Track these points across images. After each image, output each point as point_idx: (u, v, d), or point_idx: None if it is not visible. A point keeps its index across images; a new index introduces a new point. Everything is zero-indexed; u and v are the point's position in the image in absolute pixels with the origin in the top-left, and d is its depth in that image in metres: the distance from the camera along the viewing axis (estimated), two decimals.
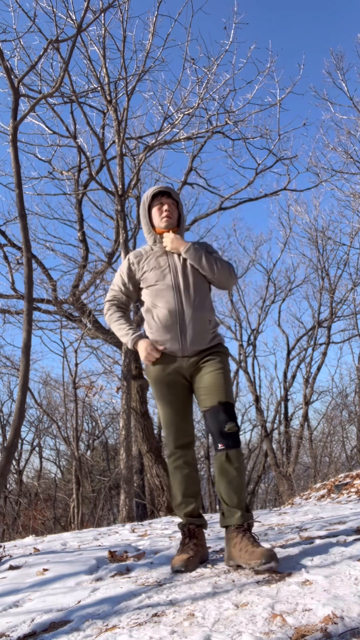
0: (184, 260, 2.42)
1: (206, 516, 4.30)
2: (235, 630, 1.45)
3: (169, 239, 2.43)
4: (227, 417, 2.16)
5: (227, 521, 2.11)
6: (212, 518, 4.25)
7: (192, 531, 2.31)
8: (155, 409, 17.32)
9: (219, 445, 2.13)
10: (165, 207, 2.47)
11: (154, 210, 2.50)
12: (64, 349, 8.29)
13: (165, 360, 2.34)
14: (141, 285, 2.47)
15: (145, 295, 2.45)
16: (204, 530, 2.39)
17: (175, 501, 2.36)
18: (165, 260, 2.43)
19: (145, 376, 2.50)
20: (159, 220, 2.48)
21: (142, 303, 2.50)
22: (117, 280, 2.55)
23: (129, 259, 2.51)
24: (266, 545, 2.40)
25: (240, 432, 2.27)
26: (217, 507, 16.85)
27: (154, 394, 2.43)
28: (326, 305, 15.86)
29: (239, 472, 2.12)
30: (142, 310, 2.47)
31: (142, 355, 2.35)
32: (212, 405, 2.19)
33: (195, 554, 2.19)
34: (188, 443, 2.36)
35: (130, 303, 2.57)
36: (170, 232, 2.47)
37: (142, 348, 2.34)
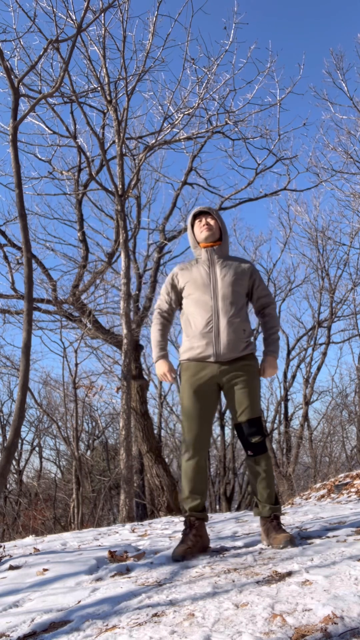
0: (225, 272, 2.60)
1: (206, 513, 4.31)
2: (235, 630, 1.45)
3: (271, 369, 2.69)
4: (254, 430, 2.49)
5: (258, 512, 2.57)
6: (212, 518, 4.25)
7: (193, 523, 2.55)
8: (156, 409, 17.34)
9: (249, 452, 2.52)
10: (203, 221, 2.70)
11: (196, 227, 2.73)
12: (64, 349, 8.29)
13: (200, 366, 2.56)
14: (183, 294, 2.69)
15: (185, 303, 2.68)
16: (206, 526, 2.66)
17: (182, 494, 2.61)
18: (206, 271, 2.62)
19: (179, 375, 2.69)
20: (199, 233, 2.70)
21: (182, 311, 2.75)
22: (163, 290, 2.81)
23: (173, 271, 2.77)
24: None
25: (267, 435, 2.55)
26: (217, 506, 16.87)
27: (181, 393, 2.62)
28: (326, 305, 15.85)
29: (266, 473, 2.51)
30: (182, 317, 2.71)
31: (159, 374, 2.70)
32: (242, 421, 2.50)
33: (194, 544, 2.47)
34: (204, 445, 2.57)
35: (174, 312, 2.81)
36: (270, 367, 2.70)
37: (159, 369, 2.69)
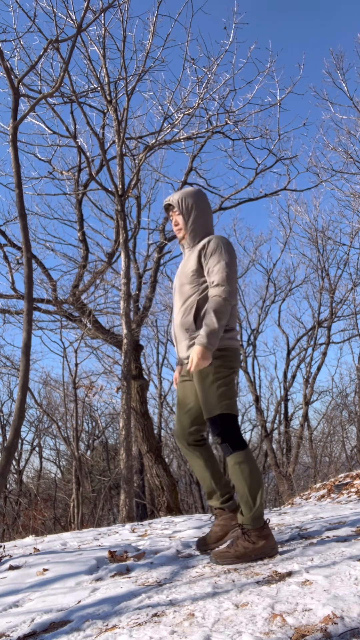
0: (182, 266, 2.48)
1: (206, 516, 4.31)
2: (235, 630, 1.45)
3: (193, 360, 2.24)
4: (212, 430, 2.33)
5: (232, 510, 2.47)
6: (213, 518, 4.25)
7: (214, 515, 2.55)
8: (156, 409, 17.32)
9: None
10: (173, 219, 2.55)
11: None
12: (64, 349, 8.28)
13: (178, 367, 2.59)
14: None
15: None
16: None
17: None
18: (178, 271, 2.55)
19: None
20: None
21: None
22: None
23: None
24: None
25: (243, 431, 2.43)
26: None
27: None
28: (326, 305, 15.87)
29: (235, 476, 2.25)
30: None
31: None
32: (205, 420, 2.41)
33: (209, 534, 2.50)
34: (187, 434, 2.53)
35: None
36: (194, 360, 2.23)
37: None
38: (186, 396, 2.51)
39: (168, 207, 2.57)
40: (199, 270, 2.38)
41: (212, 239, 2.38)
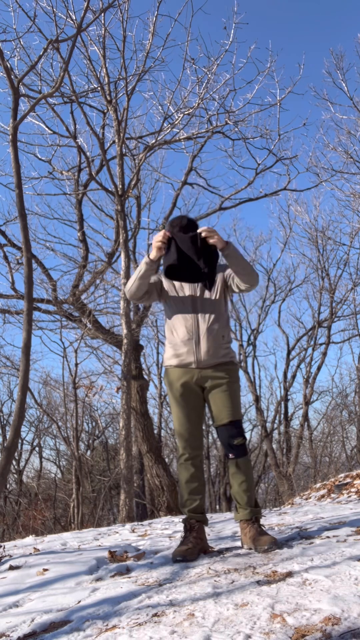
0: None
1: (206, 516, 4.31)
2: (235, 630, 1.45)
3: (211, 231, 2.49)
4: (236, 432, 2.53)
5: (239, 516, 2.53)
6: (212, 518, 4.25)
7: (193, 525, 2.55)
8: (156, 409, 17.33)
9: (230, 455, 2.54)
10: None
11: None
12: (64, 349, 8.28)
13: (182, 371, 2.60)
14: (163, 296, 2.71)
15: (165, 307, 2.72)
16: (205, 528, 2.65)
17: (181, 496, 2.62)
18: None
19: (163, 380, 2.67)
20: None
21: (165, 318, 2.76)
22: None
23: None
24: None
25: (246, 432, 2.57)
26: (217, 506, 16.86)
27: (169, 399, 2.70)
28: (326, 305, 15.85)
29: (247, 476, 2.54)
30: (165, 325, 2.74)
31: (154, 246, 2.55)
32: (223, 423, 2.54)
33: (194, 545, 2.46)
34: (197, 446, 2.61)
35: (153, 291, 2.70)
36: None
37: (153, 245, 2.54)
38: (197, 406, 2.62)
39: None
40: (223, 282, 2.69)
41: None
